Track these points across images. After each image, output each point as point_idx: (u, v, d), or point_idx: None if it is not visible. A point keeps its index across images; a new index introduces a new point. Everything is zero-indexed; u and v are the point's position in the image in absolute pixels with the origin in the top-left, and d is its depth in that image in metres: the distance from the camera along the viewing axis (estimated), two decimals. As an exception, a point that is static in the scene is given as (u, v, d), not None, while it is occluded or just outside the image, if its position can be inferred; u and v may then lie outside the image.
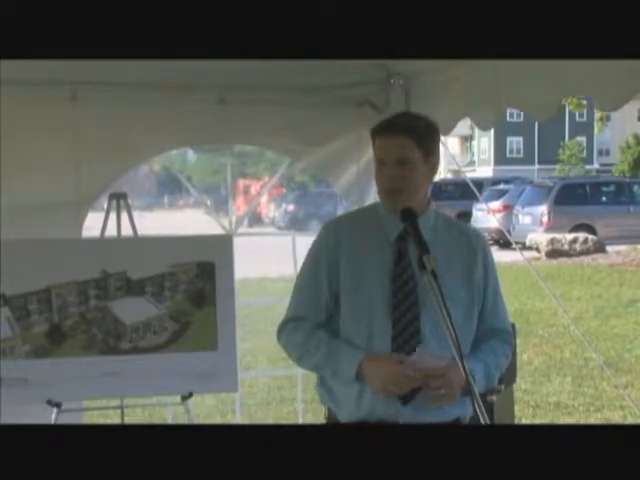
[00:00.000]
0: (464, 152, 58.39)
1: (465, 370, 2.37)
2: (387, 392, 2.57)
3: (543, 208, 21.45)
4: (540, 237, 19.89)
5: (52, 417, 3.94)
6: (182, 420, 4.76)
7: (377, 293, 2.62)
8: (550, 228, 20.79)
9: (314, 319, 2.70)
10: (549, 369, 8.75)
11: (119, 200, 4.35)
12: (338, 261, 2.66)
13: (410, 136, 2.61)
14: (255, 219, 29.45)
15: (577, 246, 19.30)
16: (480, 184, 23.55)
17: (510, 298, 13.05)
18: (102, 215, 4.36)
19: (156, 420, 6.54)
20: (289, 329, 2.74)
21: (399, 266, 2.64)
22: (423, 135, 2.64)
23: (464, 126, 4.42)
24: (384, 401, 2.59)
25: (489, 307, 2.76)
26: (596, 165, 53.43)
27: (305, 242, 3.08)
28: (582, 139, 51.77)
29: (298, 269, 2.86)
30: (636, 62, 2.47)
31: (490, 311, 2.76)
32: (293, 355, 2.76)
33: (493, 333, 2.77)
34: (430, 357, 2.52)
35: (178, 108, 4.37)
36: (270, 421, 6.88)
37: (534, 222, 21.40)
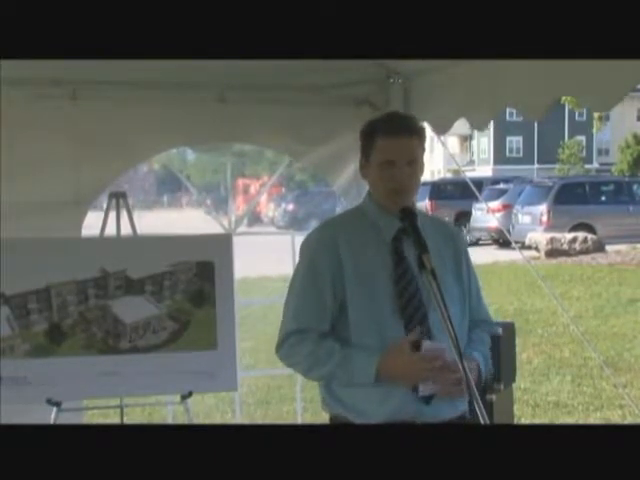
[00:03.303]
0: (464, 152, 58.40)
1: (465, 369, 2.38)
2: (414, 382, 2.56)
3: (543, 207, 21.46)
4: (539, 236, 19.90)
5: (52, 416, 3.94)
6: (182, 419, 4.77)
7: (384, 295, 2.62)
8: (549, 227, 20.81)
9: (319, 329, 2.65)
10: (548, 368, 8.75)
11: (119, 199, 4.35)
12: (341, 265, 2.64)
13: (416, 136, 2.67)
14: (254, 218, 29.46)
15: (576, 245, 19.32)
16: (480, 183, 23.54)
17: (510, 297, 13.06)
18: (102, 214, 4.36)
19: (156, 419, 6.54)
20: (292, 342, 2.67)
21: (400, 267, 2.64)
22: (422, 135, 2.70)
23: (464, 126, 4.42)
24: (408, 403, 2.59)
25: (474, 300, 2.81)
26: (596, 164, 53.44)
27: (304, 241, 3.05)
28: (582, 138, 51.76)
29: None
30: (627, 62, 2.48)
31: (475, 304, 2.81)
32: (301, 367, 2.71)
33: (478, 324, 2.82)
34: (441, 350, 2.51)
35: (178, 107, 4.37)
36: (269, 420, 6.88)
37: (533, 221, 21.41)
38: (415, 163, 2.66)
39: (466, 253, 2.81)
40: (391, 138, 2.63)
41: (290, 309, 2.71)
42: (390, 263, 2.65)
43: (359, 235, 2.70)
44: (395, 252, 2.66)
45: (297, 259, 2.81)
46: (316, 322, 2.65)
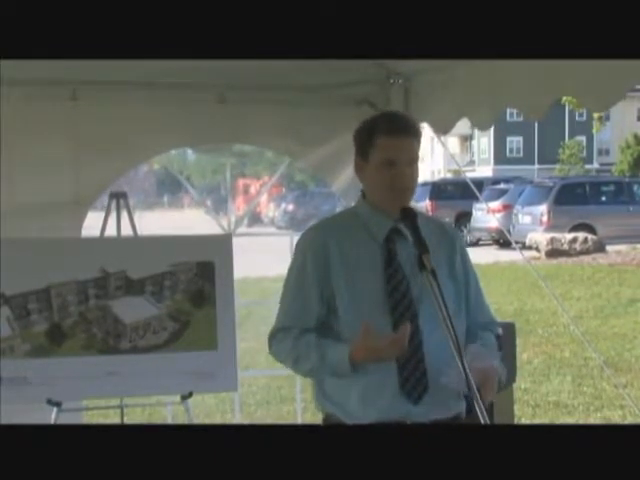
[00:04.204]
0: (464, 152, 58.39)
1: (465, 369, 2.37)
2: (391, 355, 2.53)
3: (543, 208, 21.46)
4: (540, 237, 19.90)
5: (52, 416, 3.94)
6: (182, 420, 4.77)
7: (373, 294, 2.62)
8: (550, 228, 20.81)
9: (301, 326, 2.67)
10: (549, 368, 8.75)
11: (119, 199, 4.35)
12: (328, 266, 2.64)
13: (416, 137, 2.66)
14: (254, 219, 29.51)
15: (577, 246, 19.32)
16: (480, 184, 23.53)
17: (510, 298, 13.06)
18: (102, 214, 4.36)
19: (156, 419, 6.54)
20: (278, 339, 2.72)
21: (391, 266, 2.64)
22: (420, 136, 2.70)
23: (464, 126, 4.43)
24: (396, 403, 2.59)
25: (474, 301, 2.79)
26: (596, 165, 53.41)
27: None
28: (582, 139, 51.73)
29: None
30: (626, 62, 2.48)
31: (475, 305, 2.79)
32: (287, 364, 2.74)
33: (482, 325, 2.80)
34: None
35: (178, 107, 4.37)
36: (270, 420, 6.88)
37: (534, 222, 21.41)
38: (415, 163, 2.65)
39: (463, 254, 2.79)
40: (392, 138, 2.62)
41: (280, 308, 2.76)
42: (381, 263, 2.65)
43: (351, 236, 2.70)
44: (387, 252, 2.66)
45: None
46: (300, 320, 2.68)
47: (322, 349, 2.61)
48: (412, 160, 2.64)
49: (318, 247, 2.68)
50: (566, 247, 19.22)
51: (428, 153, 50.97)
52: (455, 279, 2.72)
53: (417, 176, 2.69)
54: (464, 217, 23.18)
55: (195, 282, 4.19)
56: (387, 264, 2.65)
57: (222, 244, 4.32)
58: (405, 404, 2.60)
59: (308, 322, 2.68)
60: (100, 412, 5.34)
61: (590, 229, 20.89)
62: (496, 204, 22.03)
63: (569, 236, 19.70)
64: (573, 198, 21.98)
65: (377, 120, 2.70)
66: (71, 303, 4.06)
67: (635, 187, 23.35)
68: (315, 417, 2.87)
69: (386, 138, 2.62)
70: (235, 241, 4.35)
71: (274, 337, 2.73)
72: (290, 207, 29.93)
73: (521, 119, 42.62)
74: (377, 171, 2.65)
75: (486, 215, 20.77)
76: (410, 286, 2.62)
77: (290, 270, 2.76)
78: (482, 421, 2.33)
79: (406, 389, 2.60)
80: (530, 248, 19.24)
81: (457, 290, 2.72)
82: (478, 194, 7.31)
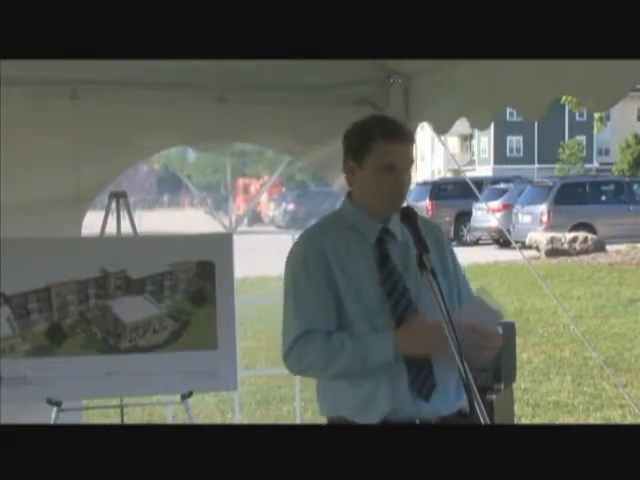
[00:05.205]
0: (464, 151, 58.38)
1: (465, 369, 2.37)
2: (434, 351, 2.54)
3: (543, 207, 21.47)
4: (540, 236, 19.90)
5: (52, 416, 3.94)
6: (182, 420, 4.77)
7: (373, 297, 2.62)
8: (550, 227, 20.82)
9: (325, 328, 2.61)
10: (549, 368, 8.75)
11: (119, 199, 4.36)
12: (330, 267, 2.63)
13: (412, 142, 2.68)
14: (255, 218, 29.52)
15: (577, 245, 19.32)
16: (480, 183, 23.56)
17: (510, 297, 13.05)
18: (102, 214, 4.36)
19: (156, 419, 6.54)
20: (301, 344, 2.61)
21: (385, 267, 2.65)
22: (414, 142, 2.73)
23: (464, 125, 4.42)
24: (407, 401, 2.59)
25: (464, 296, 2.80)
26: (596, 164, 53.44)
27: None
28: (582, 138, 51.75)
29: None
30: (627, 62, 2.48)
31: (467, 295, 2.80)
32: (316, 366, 2.63)
33: None
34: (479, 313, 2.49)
35: (178, 106, 4.37)
36: (269, 420, 6.88)
37: (534, 221, 21.42)
38: (411, 168, 2.67)
39: (450, 249, 2.81)
40: (392, 143, 2.61)
41: (291, 315, 2.66)
42: (375, 264, 2.65)
43: (342, 238, 2.68)
44: (380, 254, 2.66)
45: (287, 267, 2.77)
46: (321, 322, 2.62)
47: (358, 339, 2.57)
48: (410, 165, 2.66)
49: (316, 247, 2.66)
50: (566, 247, 19.23)
51: (428, 153, 51.04)
52: (447, 276, 2.73)
53: (410, 181, 2.71)
54: (464, 217, 23.20)
55: (195, 282, 4.19)
56: (381, 264, 2.65)
57: (222, 243, 4.32)
58: (416, 401, 2.60)
59: (329, 323, 2.62)
60: (100, 412, 5.34)
61: (590, 229, 20.90)
62: (496, 204, 22.03)
63: (569, 236, 19.70)
64: (573, 198, 22.00)
65: (372, 124, 2.69)
66: (71, 303, 4.06)
67: (635, 187, 23.37)
68: (315, 417, 2.86)
69: (385, 143, 2.61)
70: (235, 240, 4.35)
71: (294, 345, 2.62)
72: (290, 206, 29.94)
73: (521, 119, 42.64)
74: (375, 176, 2.64)
75: (486, 215, 20.77)
76: (407, 285, 2.63)
77: (290, 277, 2.71)
78: (482, 420, 2.33)
79: (416, 386, 2.60)
80: (530, 248, 19.24)
81: (450, 287, 2.72)
82: (478, 194, 7.32)
